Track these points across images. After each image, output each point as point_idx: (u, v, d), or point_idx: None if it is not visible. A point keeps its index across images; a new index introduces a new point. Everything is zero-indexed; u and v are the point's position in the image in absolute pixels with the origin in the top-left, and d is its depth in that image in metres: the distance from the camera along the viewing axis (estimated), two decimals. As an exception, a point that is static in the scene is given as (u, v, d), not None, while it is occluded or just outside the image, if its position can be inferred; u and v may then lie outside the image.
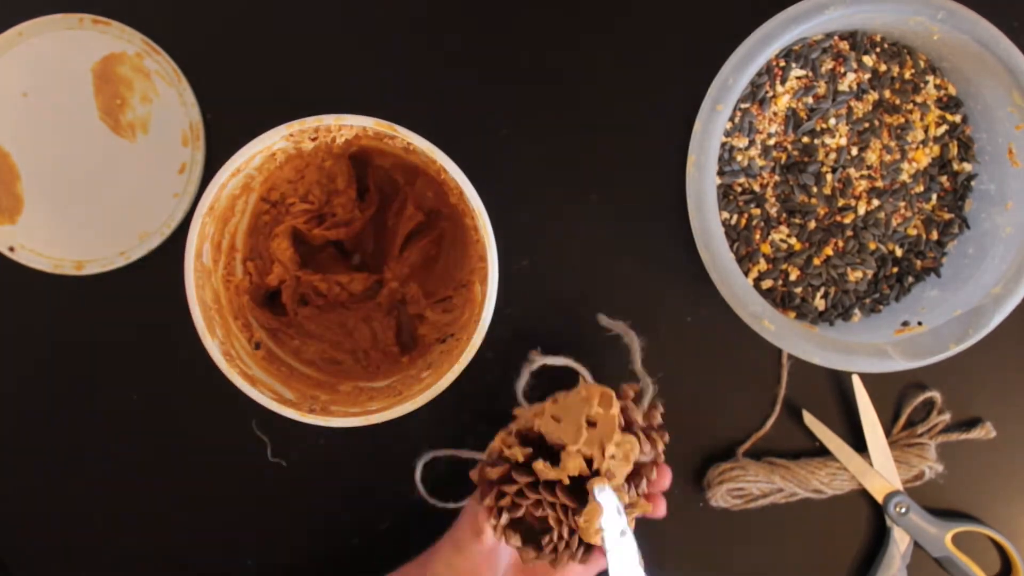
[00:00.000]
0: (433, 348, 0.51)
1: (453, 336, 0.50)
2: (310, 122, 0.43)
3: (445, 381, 0.44)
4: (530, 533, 0.43)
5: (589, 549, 0.43)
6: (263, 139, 0.43)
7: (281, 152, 0.47)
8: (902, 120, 0.54)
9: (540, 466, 0.42)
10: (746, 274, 0.53)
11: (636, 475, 0.44)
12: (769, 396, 0.56)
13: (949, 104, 0.55)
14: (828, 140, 0.54)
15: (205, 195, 0.43)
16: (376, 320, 0.53)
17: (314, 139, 0.46)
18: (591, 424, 0.43)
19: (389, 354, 0.52)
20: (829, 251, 0.54)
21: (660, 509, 0.47)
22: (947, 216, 0.55)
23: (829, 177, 0.54)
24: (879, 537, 0.56)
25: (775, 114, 0.53)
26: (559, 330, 0.54)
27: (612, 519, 0.41)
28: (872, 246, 0.54)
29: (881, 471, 0.54)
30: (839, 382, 0.56)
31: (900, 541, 0.55)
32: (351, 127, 0.44)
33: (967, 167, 0.55)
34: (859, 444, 0.55)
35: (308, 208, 0.51)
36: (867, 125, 0.54)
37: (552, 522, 0.42)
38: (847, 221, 0.54)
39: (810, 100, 0.54)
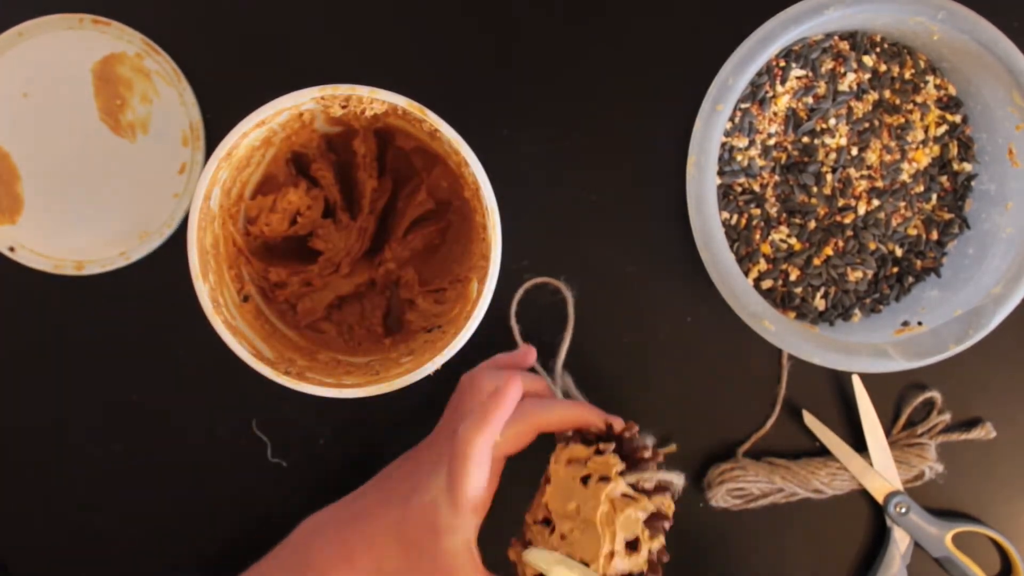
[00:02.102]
0: (418, 336, 0.51)
1: (440, 328, 0.50)
2: (343, 89, 0.43)
3: (424, 370, 0.44)
4: None
5: None
6: (293, 96, 0.43)
7: (308, 113, 0.47)
8: (902, 120, 0.54)
9: None
10: (746, 274, 0.53)
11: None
12: (769, 396, 0.56)
13: (949, 104, 0.55)
14: (828, 140, 0.54)
15: (225, 140, 0.43)
16: (368, 299, 0.53)
17: (344, 107, 0.46)
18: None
19: (373, 333, 0.52)
20: (829, 251, 0.54)
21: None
22: (947, 216, 0.55)
23: (829, 177, 0.54)
24: (879, 537, 0.56)
25: (775, 114, 0.53)
26: (557, 331, 0.54)
27: None
28: (872, 246, 0.54)
29: (881, 471, 0.54)
30: (839, 382, 0.56)
31: (900, 541, 0.55)
32: (382, 102, 0.44)
33: (967, 167, 0.55)
34: (859, 444, 0.55)
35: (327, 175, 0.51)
36: (867, 125, 0.54)
37: None
38: (847, 221, 0.54)
39: (810, 100, 0.54)
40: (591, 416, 0.43)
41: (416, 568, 0.42)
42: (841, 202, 0.54)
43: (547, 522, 0.42)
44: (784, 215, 0.54)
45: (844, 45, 0.54)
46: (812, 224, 0.54)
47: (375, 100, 0.44)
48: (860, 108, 0.54)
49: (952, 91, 0.55)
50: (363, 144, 0.51)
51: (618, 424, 0.43)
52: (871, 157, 0.54)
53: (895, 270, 0.55)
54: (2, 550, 0.54)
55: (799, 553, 0.56)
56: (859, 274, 0.54)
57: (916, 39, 0.53)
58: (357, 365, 0.49)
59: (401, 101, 0.44)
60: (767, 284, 0.54)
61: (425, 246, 0.53)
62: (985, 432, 0.56)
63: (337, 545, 0.44)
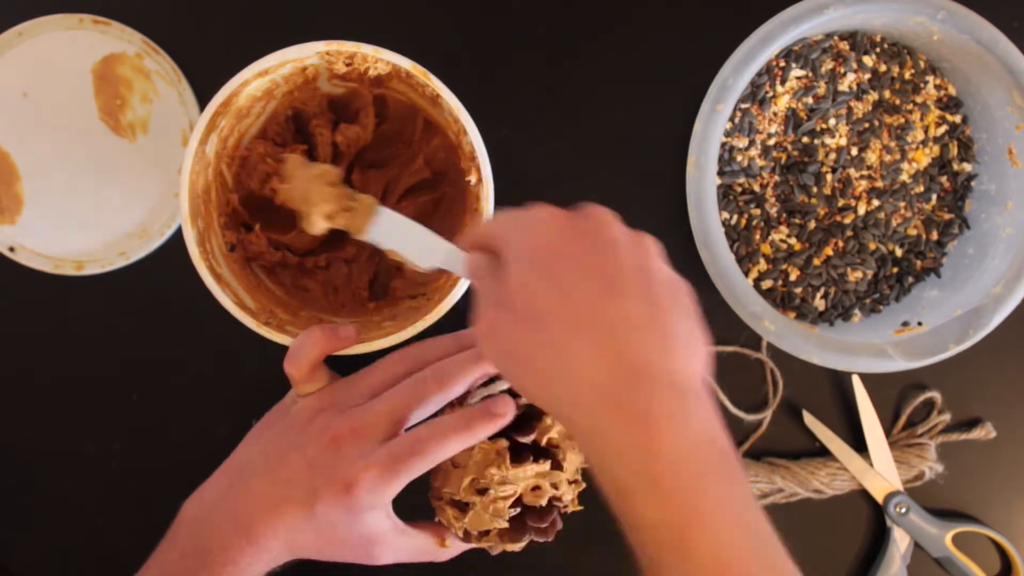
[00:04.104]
0: (402, 303, 0.51)
1: (424, 295, 0.50)
2: (348, 46, 0.44)
3: (405, 334, 0.44)
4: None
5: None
6: (297, 49, 0.44)
7: (312, 69, 0.47)
8: (902, 120, 0.54)
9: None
10: (746, 274, 0.53)
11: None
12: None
13: (949, 104, 0.55)
14: (828, 140, 0.54)
15: (225, 87, 0.44)
16: (356, 263, 0.53)
17: (348, 64, 0.46)
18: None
19: (358, 297, 0.52)
20: (829, 251, 0.54)
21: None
22: (947, 216, 0.55)
23: (829, 177, 0.54)
24: (879, 537, 0.56)
25: (775, 114, 0.53)
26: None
27: None
28: (872, 246, 0.55)
29: (881, 471, 0.54)
30: (839, 382, 0.56)
31: (900, 541, 0.55)
32: (386, 63, 0.44)
33: (967, 167, 0.55)
34: (859, 444, 0.55)
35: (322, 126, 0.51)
36: (867, 125, 0.54)
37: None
38: (847, 221, 0.54)
39: (810, 100, 0.54)
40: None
41: (333, 544, 0.40)
42: (841, 202, 0.54)
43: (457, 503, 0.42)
44: (784, 215, 0.54)
45: (844, 45, 0.54)
46: (812, 224, 0.54)
47: (379, 60, 0.44)
48: (860, 108, 0.54)
49: (952, 91, 0.55)
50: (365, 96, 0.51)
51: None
52: (871, 157, 0.54)
53: (895, 270, 0.55)
54: (2, 550, 0.54)
55: (799, 553, 0.56)
56: (859, 274, 0.54)
57: (916, 39, 0.53)
58: (338, 325, 0.49)
59: (405, 63, 0.44)
60: (767, 284, 0.54)
61: (418, 215, 0.53)
62: (985, 432, 0.56)
63: (232, 524, 0.41)
